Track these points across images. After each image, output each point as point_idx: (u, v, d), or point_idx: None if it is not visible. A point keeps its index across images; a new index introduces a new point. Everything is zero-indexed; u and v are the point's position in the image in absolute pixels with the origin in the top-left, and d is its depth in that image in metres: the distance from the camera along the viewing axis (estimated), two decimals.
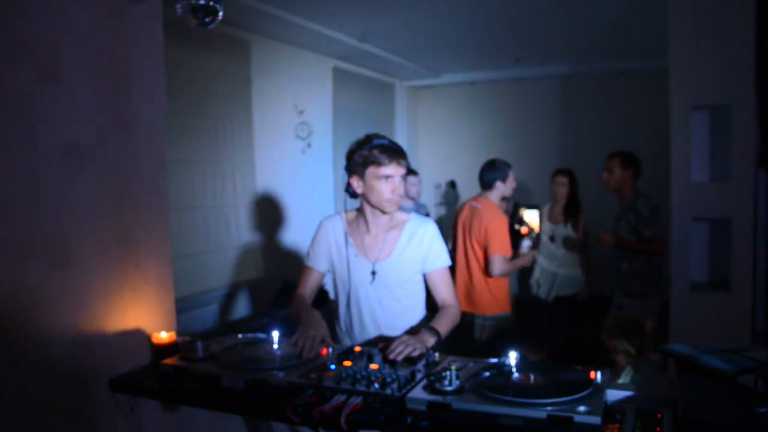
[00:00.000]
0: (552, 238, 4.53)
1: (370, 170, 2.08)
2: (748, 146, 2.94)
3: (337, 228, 2.27)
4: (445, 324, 2.10)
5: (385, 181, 2.08)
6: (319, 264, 2.29)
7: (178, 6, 1.96)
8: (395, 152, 2.08)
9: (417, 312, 2.28)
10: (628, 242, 3.63)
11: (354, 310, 2.24)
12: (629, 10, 4.20)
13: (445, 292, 2.23)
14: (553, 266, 4.55)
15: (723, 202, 2.99)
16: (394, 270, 2.19)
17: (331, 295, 2.40)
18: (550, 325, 4.66)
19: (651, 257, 3.62)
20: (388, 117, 6.88)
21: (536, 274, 4.65)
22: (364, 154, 2.08)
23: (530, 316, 4.65)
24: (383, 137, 2.12)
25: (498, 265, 3.42)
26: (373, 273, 2.19)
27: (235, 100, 4.45)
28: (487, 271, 3.50)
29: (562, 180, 4.56)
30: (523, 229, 4.66)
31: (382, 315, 2.21)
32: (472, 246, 3.56)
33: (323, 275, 2.33)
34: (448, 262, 2.25)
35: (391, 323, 2.21)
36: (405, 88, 7.22)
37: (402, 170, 2.10)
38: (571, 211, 4.53)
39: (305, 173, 5.27)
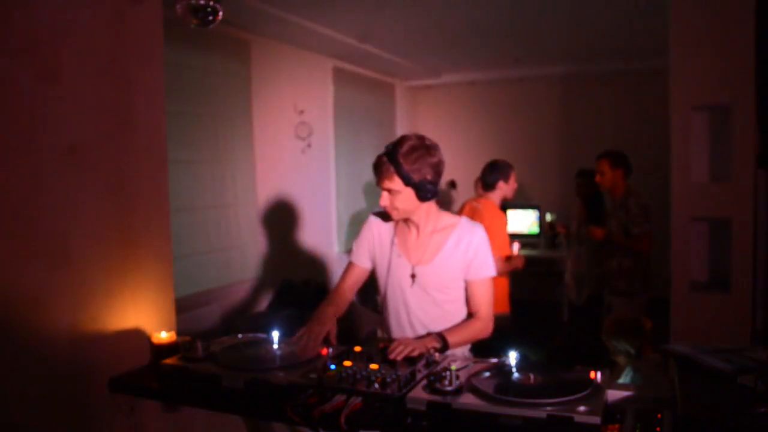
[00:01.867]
0: (578, 240, 4.50)
1: None
2: (748, 146, 2.94)
3: (383, 225, 2.19)
4: (459, 335, 2.02)
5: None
6: (361, 261, 2.22)
7: (178, 6, 1.97)
8: (376, 169, 1.99)
9: (459, 318, 2.13)
10: (616, 236, 3.68)
11: (392, 311, 2.16)
12: (629, 10, 4.20)
13: (479, 303, 2.09)
14: (582, 268, 4.48)
15: (723, 202, 2.99)
16: (435, 275, 2.08)
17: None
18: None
19: (639, 255, 3.65)
20: (388, 117, 6.88)
21: (568, 276, 4.62)
22: None
23: (531, 317, 4.62)
24: (392, 144, 1.98)
25: (497, 265, 3.43)
26: (413, 276, 2.10)
27: (235, 100, 4.44)
28: None
29: (577, 181, 4.62)
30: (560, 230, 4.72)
31: (422, 319, 2.11)
32: None
33: (367, 272, 2.23)
34: (492, 272, 2.11)
35: (430, 328, 2.08)
36: (405, 88, 7.21)
37: (384, 184, 1.98)
38: (590, 211, 4.42)
39: (305, 173, 5.27)
